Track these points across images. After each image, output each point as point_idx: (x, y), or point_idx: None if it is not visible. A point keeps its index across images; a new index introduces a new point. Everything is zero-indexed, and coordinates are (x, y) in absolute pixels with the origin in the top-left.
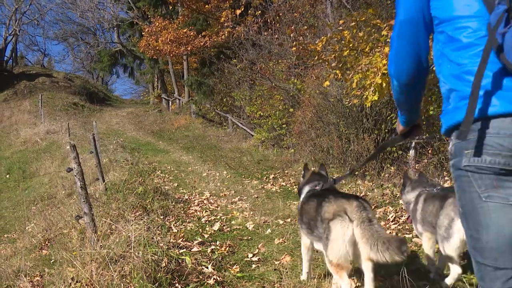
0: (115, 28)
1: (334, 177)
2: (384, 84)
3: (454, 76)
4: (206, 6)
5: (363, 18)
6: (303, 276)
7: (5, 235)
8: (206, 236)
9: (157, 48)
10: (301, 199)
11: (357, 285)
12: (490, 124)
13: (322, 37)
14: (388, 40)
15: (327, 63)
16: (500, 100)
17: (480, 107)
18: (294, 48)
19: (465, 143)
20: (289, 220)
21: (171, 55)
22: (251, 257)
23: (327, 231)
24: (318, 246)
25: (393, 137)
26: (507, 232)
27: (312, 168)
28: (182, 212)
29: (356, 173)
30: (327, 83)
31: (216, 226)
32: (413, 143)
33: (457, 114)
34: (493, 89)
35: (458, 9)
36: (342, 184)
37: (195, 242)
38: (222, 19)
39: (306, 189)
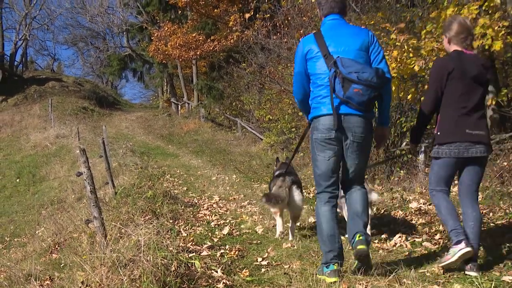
0: (124, 33)
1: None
2: (393, 88)
3: (314, 99)
4: (215, 10)
5: (372, 22)
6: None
7: (16, 239)
8: (215, 240)
9: (166, 52)
10: None
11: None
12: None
13: None
14: (397, 43)
15: None
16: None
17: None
18: None
19: (314, 128)
20: (298, 224)
21: (180, 59)
22: (260, 261)
23: None
24: None
25: (305, 129)
26: (324, 169)
27: (281, 160)
28: (192, 216)
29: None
30: None
31: (226, 230)
32: (423, 147)
33: (312, 113)
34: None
35: (317, 69)
36: None
37: (205, 246)
38: (231, 23)
39: (276, 173)
